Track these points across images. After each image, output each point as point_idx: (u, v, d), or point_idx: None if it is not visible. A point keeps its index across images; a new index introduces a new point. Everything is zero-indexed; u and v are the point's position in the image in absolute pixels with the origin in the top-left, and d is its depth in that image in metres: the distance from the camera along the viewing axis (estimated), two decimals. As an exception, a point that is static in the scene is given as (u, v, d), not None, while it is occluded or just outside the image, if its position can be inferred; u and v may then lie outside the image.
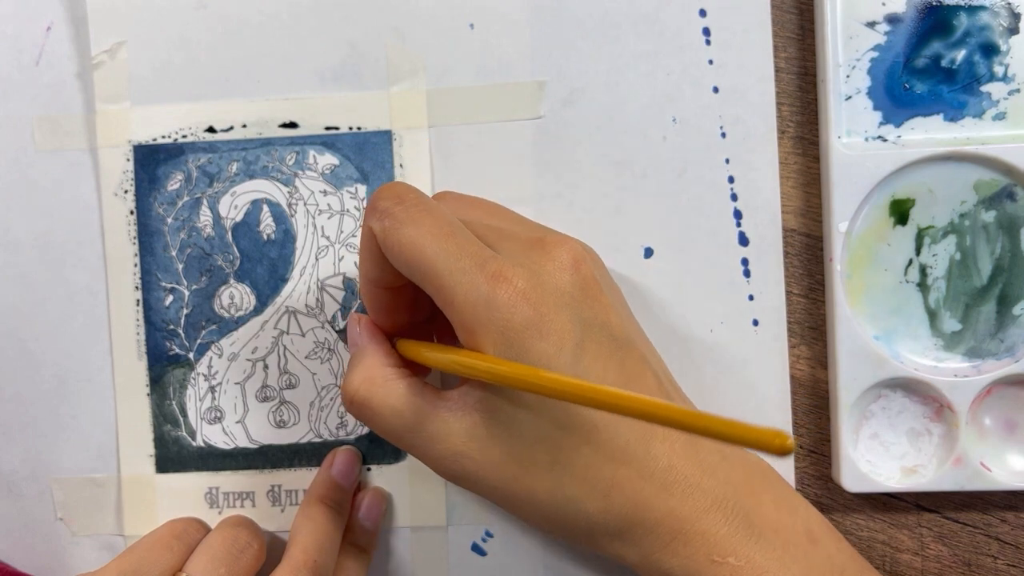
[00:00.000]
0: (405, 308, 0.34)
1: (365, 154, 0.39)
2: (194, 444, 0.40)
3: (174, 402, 0.40)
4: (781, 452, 0.21)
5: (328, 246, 0.39)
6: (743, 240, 0.38)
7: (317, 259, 0.39)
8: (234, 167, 0.39)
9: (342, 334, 0.39)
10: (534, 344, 0.29)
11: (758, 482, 0.33)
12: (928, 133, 0.36)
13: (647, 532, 0.31)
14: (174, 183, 0.40)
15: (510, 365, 0.28)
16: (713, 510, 0.31)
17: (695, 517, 0.31)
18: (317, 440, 0.39)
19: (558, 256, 0.31)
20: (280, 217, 0.39)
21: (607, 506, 0.31)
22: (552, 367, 0.29)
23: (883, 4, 0.36)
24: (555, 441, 0.30)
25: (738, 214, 0.38)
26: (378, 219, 0.31)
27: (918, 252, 0.36)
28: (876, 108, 0.36)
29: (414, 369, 0.33)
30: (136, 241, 0.40)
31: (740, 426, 0.22)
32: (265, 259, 0.39)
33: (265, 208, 0.39)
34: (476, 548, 0.39)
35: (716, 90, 0.38)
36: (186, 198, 0.40)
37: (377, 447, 0.39)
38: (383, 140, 0.39)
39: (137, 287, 0.40)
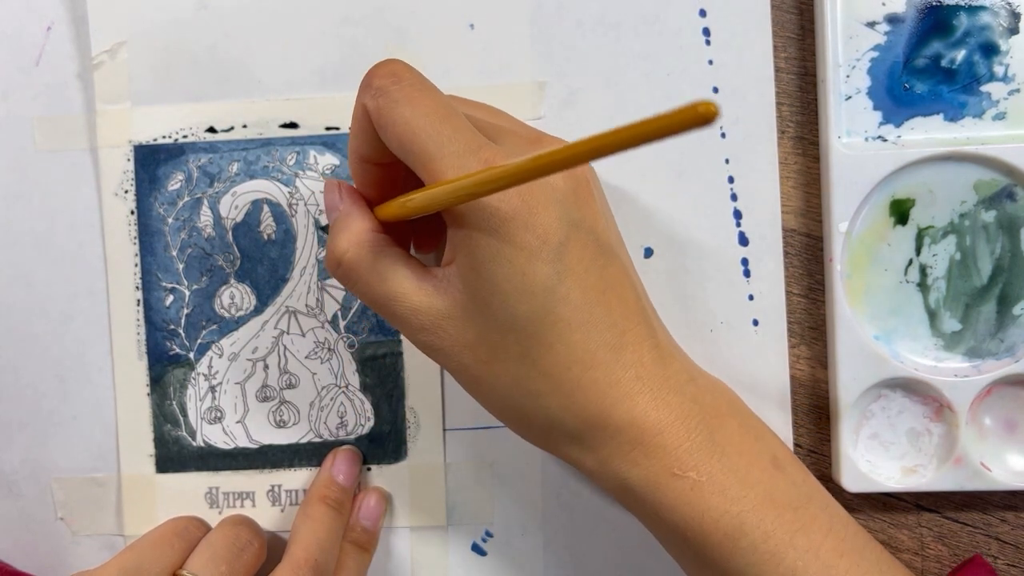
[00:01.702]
0: (392, 184, 0.33)
1: (365, 154, 0.39)
2: (194, 444, 0.40)
3: (174, 402, 0.40)
4: (707, 116, 0.20)
5: (328, 246, 0.39)
6: (743, 240, 0.38)
7: (317, 259, 0.39)
8: (235, 167, 0.39)
9: (342, 334, 0.39)
10: (518, 234, 0.29)
11: (725, 407, 0.33)
12: (928, 133, 0.36)
13: (608, 438, 0.31)
14: (175, 183, 0.40)
15: (469, 175, 0.28)
16: (677, 424, 0.31)
17: (658, 429, 0.31)
18: (317, 440, 0.40)
19: None
20: (280, 217, 0.39)
21: (570, 406, 0.31)
22: (534, 259, 0.29)
23: (883, 4, 0.36)
24: (529, 334, 0.30)
25: (738, 214, 0.38)
26: (372, 96, 0.30)
27: (918, 252, 0.36)
28: (876, 108, 0.36)
29: (396, 240, 0.33)
30: (136, 241, 0.40)
31: (662, 116, 0.21)
32: (265, 259, 0.39)
33: (265, 208, 0.39)
34: (476, 548, 0.39)
35: (716, 90, 0.38)
36: (187, 198, 0.40)
37: (377, 447, 0.39)
38: (383, 140, 0.39)
39: (137, 287, 0.40)
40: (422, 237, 0.36)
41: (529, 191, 0.29)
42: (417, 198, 0.30)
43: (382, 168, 0.33)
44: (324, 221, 0.39)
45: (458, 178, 0.28)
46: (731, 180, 0.38)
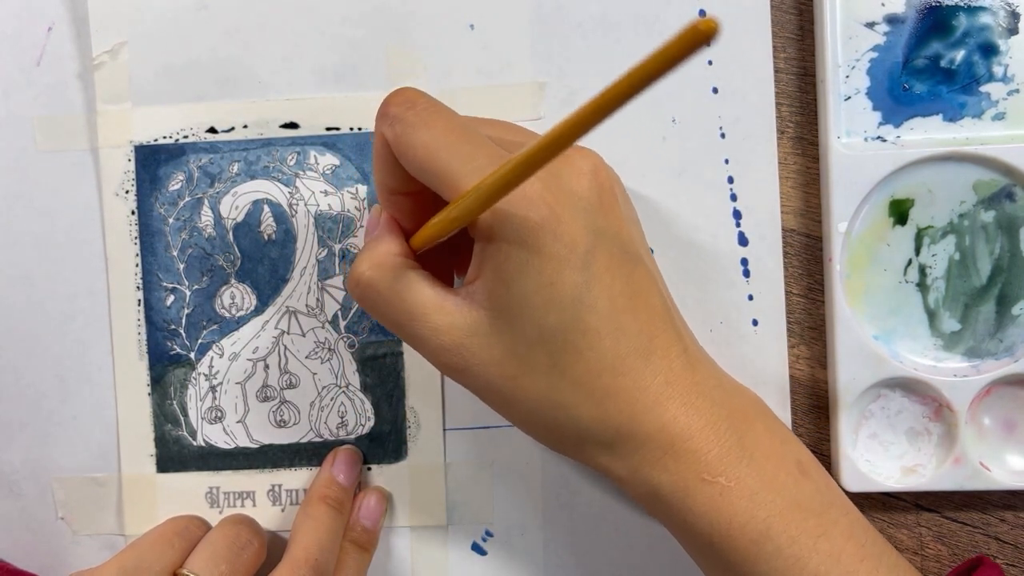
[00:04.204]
0: (424, 215, 0.33)
1: (366, 154, 0.39)
2: (195, 444, 0.40)
3: (175, 402, 0.40)
4: (708, 33, 0.20)
5: (329, 246, 0.39)
6: (743, 240, 0.38)
7: (317, 259, 0.39)
8: (235, 167, 0.40)
9: (342, 334, 0.39)
10: (548, 243, 0.29)
11: (752, 411, 0.33)
12: (927, 133, 0.36)
13: (638, 446, 0.31)
14: (175, 183, 0.40)
15: (496, 171, 0.27)
16: (707, 430, 0.31)
17: (688, 435, 0.31)
18: (317, 440, 0.40)
19: (577, 163, 0.31)
20: (281, 217, 0.39)
21: (600, 415, 0.31)
22: (563, 268, 0.29)
23: (883, 4, 0.36)
24: (557, 344, 0.30)
25: (738, 214, 0.38)
26: (389, 124, 0.30)
27: (917, 252, 0.36)
28: (875, 108, 0.37)
29: (436, 272, 0.33)
30: (137, 241, 0.40)
31: (665, 46, 0.21)
32: (266, 259, 0.40)
33: (266, 208, 0.40)
34: (476, 548, 0.39)
35: (716, 90, 0.38)
36: (187, 198, 0.40)
37: (377, 447, 0.39)
38: (383, 140, 0.39)
39: (138, 287, 0.40)
40: (463, 262, 0.36)
41: (556, 200, 0.30)
42: (451, 211, 0.30)
43: (410, 198, 0.33)
44: (323, 222, 0.39)
45: (487, 176, 0.28)
46: (731, 180, 0.38)
